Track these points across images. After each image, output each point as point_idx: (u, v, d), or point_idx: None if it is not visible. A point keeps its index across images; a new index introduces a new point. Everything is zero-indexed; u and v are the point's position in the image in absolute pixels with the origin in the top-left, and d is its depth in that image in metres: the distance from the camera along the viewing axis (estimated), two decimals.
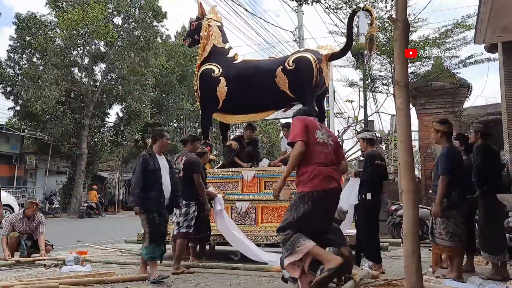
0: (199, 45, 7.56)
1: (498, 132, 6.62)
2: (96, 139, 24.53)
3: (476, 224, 5.30)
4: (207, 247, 6.73)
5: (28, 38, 22.70)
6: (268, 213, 6.41)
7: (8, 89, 23.33)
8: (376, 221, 5.33)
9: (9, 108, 24.60)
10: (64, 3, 22.83)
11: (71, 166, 24.48)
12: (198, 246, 6.28)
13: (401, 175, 3.87)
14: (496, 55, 8.01)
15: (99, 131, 25.19)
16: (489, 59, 10.69)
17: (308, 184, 3.57)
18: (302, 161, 3.63)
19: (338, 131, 19.48)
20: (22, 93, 22.34)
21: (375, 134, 5.67)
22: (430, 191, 10.58)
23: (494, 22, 5.17)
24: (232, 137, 8.07)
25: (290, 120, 8.79)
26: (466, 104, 12.76)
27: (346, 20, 6.86)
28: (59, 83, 21.03)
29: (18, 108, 24.08)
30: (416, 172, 14.04)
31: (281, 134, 8.27)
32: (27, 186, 25.35)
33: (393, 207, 8.91)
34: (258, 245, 6.16)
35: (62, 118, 21.99)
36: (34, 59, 23.55)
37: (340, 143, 5.38)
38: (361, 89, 14.65)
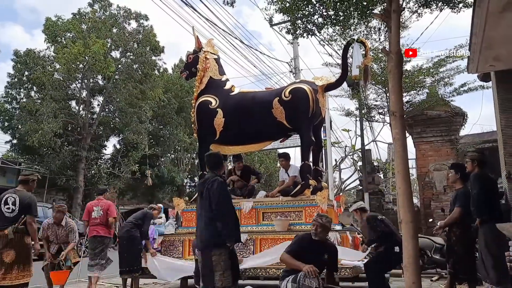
0: (196, 77, 7.65)
1: (494, 159, 6.64)
2: (93, 172, 24.40)
3: (477, 253, 5.25)
4: None
5: (26, 73, 22.91)
6: (267, 245, 6.33)
7: (6, 123, 23.39)
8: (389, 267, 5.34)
9: (6, 142, 24.63)
10: (63, 38, 23.19)
11: (67, 199, 24.24)
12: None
13: (400, 205, 3.86)
14: (489, 83, 8.11)
15: (96, 164, 25.09)
16: (482, 87, 10.82)
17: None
18: None
19: (335, 160, 19.51)
20: (20, 126, 22.37)
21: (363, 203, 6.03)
22: (430, 220, 10.56)
23: (486, 52, 5.26)
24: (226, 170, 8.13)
25: (287, 150, 8.81)
26: (462, 132, 12.85)
27: (340, 52, 6.98)
28: (57, 116, 21.11)
29: (15, 141, 24.08)
30: (415, 201, 13.99)
31: (279, 164, 8.28)
32: None
33: None
34: (257, 278, 6.06)
35: (59, 151, 21.94)
36: (32, 93, 23.70)
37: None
38: (358, 118, 14.75)
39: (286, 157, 7.52)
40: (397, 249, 4.94)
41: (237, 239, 4.62)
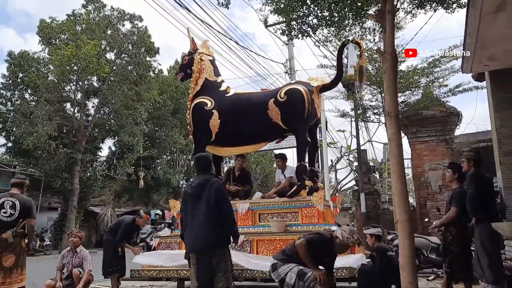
0: (191, 79, 7.63)
1: (489, 159, 6.67)
2: (88, 174, 24.35)
3: (473, 253, 5.26)
4: None
5: (20, 75, 22.82)
6: (263, 246, 6.32)
7: (0, 125, 23.29)
8: None
9: (1, 146, 24.55)
10: (57, 40, 23.12)
11: (62, 202, 24.18)
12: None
13: (395, 205, 3.87)
14: (483, 83, 8.14)
15: (92, 166, 25.04)
16: (477, 87, 10.87)
17: None
18: None
19: (331, 160, 19.57)
20: (14, 129, 22.27)
21: (381, 229, 5.80)
22: (426, 219, 10.59)
23: (480, 52, 5.28)
24: (225, 169, 8.10)
25: (283, 151, 8.81)
26: (457, 132, 12.91)
27: (336, 52, 6.99)
28: (52, 119, 21.06)
29: (10, 144, 23.96)
30: (411, 200, 14.04)
31: (275, 165, 8.27)
32: None
33: (389, 237, 8.83)
34: (254, 279, 6.05)
35: (54, 154, 21.88)
36: (26, 95, 23.61)
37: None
38: (353, 119, 14.79)
39: (282, 158, 7.52)
40: (393, 287, 4.92)
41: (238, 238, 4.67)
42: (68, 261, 6.39)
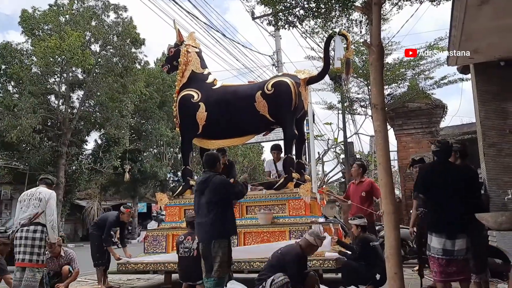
0: (177, 71, 7.57)
1: (474, 150, 6.74)
2: (74, 167, 24.07)
3: None
4: None
5: (3, 67, 22.38)
6: (250, 238, 6.34)
7: None
8: None
9: None
10: (40, 31, 22.70)
11: None
12: None
13: (382, 197, 3.90)
14: (468, 76, 8.21)
15: (77, 159, 24.75)
16: (462, 80, 10.97)
17: None
18: None
19: (318, 153, 19.64)
20: None
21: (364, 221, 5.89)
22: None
23: (465, 45, 5.32)
24: None
25: (270, 144, 8.80)
26: (442, 124, 13.03)
27: (322, 44, 6.99)
28: (36, 111, 20.71)
29: None
30: (396, 192, 14.18)
31: (263, 157, 8.27)
32: (2, 218, 24.52)
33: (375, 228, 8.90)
34: (241, 271, 6.06)
35: (39, 147, 21.58)
36: (10, 88, 23.18)
37: None
38: (340, 111, 14.84)
39: (279, 149, 7.52)
40: (377, 276, 5.01)
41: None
42: (54, 266, 6.37)
